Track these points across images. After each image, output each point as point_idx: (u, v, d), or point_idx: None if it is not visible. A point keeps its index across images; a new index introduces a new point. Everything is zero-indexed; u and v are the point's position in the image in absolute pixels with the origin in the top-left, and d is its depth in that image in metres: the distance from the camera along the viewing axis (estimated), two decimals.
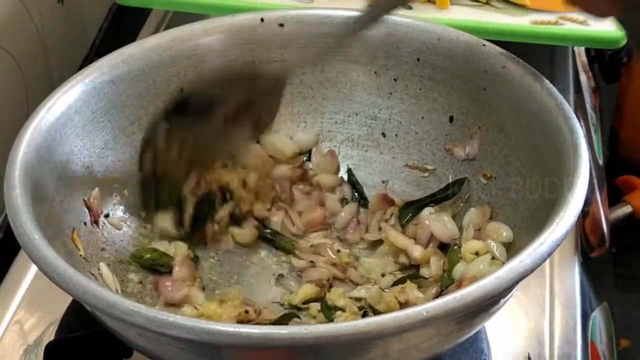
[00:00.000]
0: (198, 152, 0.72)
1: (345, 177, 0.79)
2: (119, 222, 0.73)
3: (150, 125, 0.72)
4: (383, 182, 0.78)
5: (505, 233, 0.69)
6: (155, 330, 0.54)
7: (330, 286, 0.72)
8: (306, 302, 0.71)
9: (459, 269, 0.69)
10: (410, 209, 0.75)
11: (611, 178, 1.01)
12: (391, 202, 0.77)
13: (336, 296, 0.71)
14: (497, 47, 0.73)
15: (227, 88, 0.70)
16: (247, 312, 0.68)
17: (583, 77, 1.03)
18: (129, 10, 0.96)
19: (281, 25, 0.77)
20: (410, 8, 0.89)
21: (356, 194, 0.79)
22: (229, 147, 0.74)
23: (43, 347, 0.68)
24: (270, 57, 0.78)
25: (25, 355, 0.72)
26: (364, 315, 0.69)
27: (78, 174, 0.70)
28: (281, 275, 0.74)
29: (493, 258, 0.68)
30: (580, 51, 1.06)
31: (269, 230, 0.76)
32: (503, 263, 0.66)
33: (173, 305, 0.70)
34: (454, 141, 0.76)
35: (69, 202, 0.69)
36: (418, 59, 0.76)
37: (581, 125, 0.66)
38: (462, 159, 0.75)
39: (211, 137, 0.71)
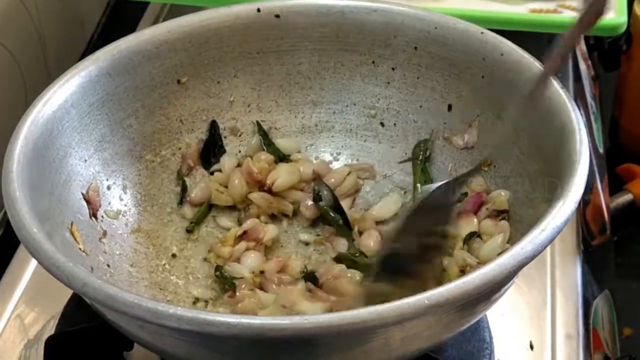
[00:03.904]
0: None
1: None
2: (117, 215, 0.73)
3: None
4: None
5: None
6: (155, 322, 0.54)
7: None
8: None
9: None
10: None
11: (612, 166, 1.01)
12: None
13: None
14: (495, 35, 0.73)
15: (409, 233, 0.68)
16: None
17: (582, 66, 1.03)
18: (126, 4, 0.96)
19: (277, 16, 0.77)
20: None
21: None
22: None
23: (43, 341, 0.68)
24: (268, 48, 0.77)
25: (26, 350, 0.72)
26: None
27: (76, 167, 0.70)
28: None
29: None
30: (579, 39, 1.05)
31: None
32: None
33: None
34: (453, 130, 0.75)
35: (67, 196, 0.68)
36: (415, 48, 0.75)
37: (581, 114, 0.66)
38: (461, 147, 0.75)
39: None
